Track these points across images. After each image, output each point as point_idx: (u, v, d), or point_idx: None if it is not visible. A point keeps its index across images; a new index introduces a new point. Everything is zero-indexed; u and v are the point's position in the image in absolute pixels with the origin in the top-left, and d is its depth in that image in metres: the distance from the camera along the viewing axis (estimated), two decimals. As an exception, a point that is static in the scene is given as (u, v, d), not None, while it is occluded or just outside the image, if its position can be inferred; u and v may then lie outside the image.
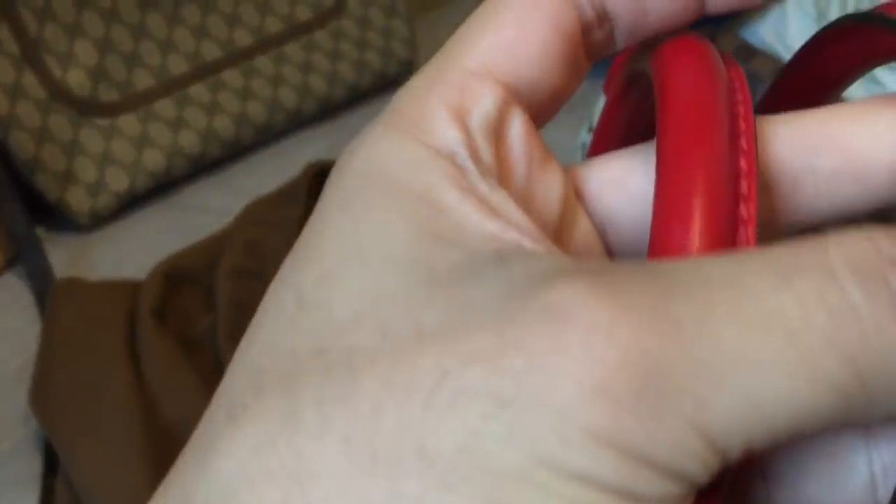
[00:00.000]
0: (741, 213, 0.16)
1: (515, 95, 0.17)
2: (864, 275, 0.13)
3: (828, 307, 0.13)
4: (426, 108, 0.16)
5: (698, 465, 0.13)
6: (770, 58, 0.58)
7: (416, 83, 0.17)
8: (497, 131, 0.17)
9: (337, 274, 0.15)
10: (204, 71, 0.71)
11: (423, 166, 0.16)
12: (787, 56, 0.59)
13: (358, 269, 0.15)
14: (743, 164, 0.16)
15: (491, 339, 0.13)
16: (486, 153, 0.16)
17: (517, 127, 0.17)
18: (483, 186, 0.16)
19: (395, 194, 0.15)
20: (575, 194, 0.19)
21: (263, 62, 0.73)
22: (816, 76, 0.21)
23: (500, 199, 0.16)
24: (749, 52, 0.58)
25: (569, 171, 0.19)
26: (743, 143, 0.17)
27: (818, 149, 0.18)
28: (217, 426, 0.14)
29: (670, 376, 0.13)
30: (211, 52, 0.71)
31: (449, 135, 0.16)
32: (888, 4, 0.19)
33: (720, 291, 0.13)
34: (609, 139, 0.22)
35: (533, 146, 0.18)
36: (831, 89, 0.21)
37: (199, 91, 0.71)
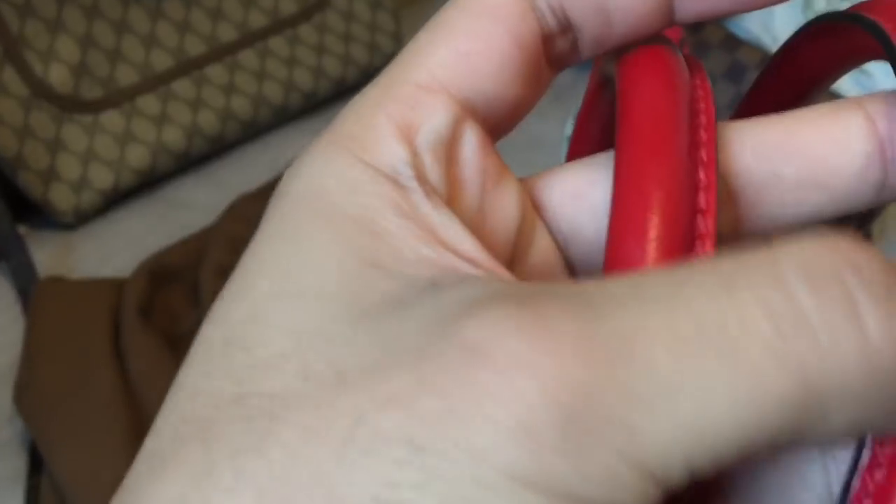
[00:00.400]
0: (699, 227, 0.16)
1: (470, 110, 0.17)
2: (816, 277, 0.12)
3: (771, 315, 0.12)
4: (371, 124, 0.16)
5: (636, 497, 0.12)
6: (756, 48, 0.58)
7: (363, 98, 0.16)
8: (449, 148, 0.16)
9: (266, 310, 0.14)
10: (187, 66, 0.70)
11: (362, 188, 0.15)
12: (773, 46, 0.59)
13: (287, 305, 0.14)
14: (702, 176, 0.16)
15: (408, 380, 0.12)
16: (434, 172, 0.16)
17: (471, 143, 0.17)
18: (426, 207, 0.15)
19: (331, 220, 0.15)
20: (534, 208, 0.18)
21: (248, 57, 0.73)
22: (800, 73, 0.20)
23: (443, 219, 0.15)
24: (735, 43, 0.58)
25: (527, 184, 0.18)
26: (703, 154, 0.16)
27: (784, 156, 0.18)
28: (139, 479, 0.14)
29: (598, 407, 0.12)
30: (194, 47, 0.71)
31: (393, 153, 0.16)
32: (864, 4, 0.18)
33: (654, 309, 0.12)
34: (586, 138, 0.22)
35: (487, 162, 0.17)
36: (815, 85, 0.21)
37: (183, 87, 0.70)
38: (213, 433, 0.13)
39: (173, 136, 0.69)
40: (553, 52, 0.18)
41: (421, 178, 0.16)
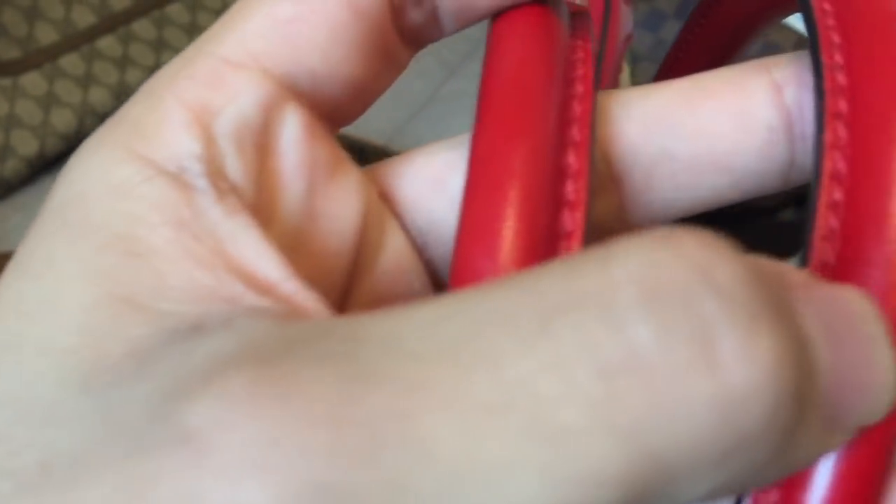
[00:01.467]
0: (565, 223, 0.13)
1: (292, 90, 0.14)
2: (658, 298, 0.09)
3: (599, 362, 0.09)
4: (157, 108, 0.13)
5: None
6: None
7: (159, 75, 0.13)
8: (260, 137, 0.13)
9: None
10: (113, 22, 0.67)
11: (131, 193, 0.12)
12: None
13: (8, 365, 0.11)
14: (572, 160, 0.13)
15: (111, 484, 0.09)
16: (236, 167, 0.13)
17: (291, 130, 0.14)
18: (214, 213, 0.12)
19: (86, 239, 0.12)
20: (386, 203, 0.15)
21: (177, 10, 0.69)
22: (723, 26, 0.18)
23: (236, 229, 0.12)
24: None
25: (377, 175, 0.15)
26: (575, 132, 0.14)
27: (675, 131, 0.15)
28: None
29: None
30: (119, 1, 0.67)
31: (179, 144, 0.13)
32: None
33: (440, 365, 0.09)
34: None
35: (316, 153, 0.14)
36: (742, 39, 0.19)
37: (108, 44, 0.67)
38: None
39: (100, 98, 0.66)
40: (406, 24, 0.15)
41: (215, 176, 0.13)
